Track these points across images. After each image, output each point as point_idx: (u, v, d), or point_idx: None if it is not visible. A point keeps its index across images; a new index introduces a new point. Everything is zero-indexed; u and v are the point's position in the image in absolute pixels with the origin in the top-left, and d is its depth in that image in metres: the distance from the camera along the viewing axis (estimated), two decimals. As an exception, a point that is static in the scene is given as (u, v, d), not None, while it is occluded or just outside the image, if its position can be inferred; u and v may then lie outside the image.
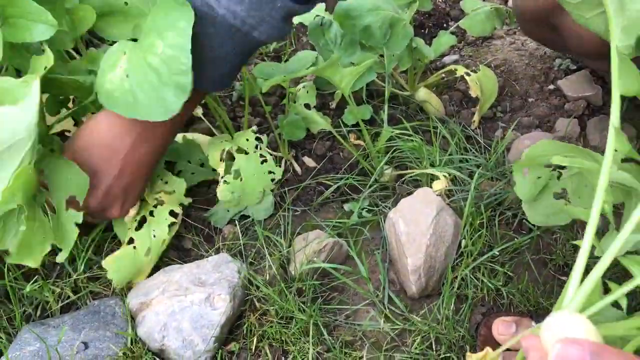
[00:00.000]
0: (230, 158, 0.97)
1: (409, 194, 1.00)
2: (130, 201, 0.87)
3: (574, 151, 0.73)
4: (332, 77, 0.94)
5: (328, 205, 1.04)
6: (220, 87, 0.83)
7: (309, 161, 1.14)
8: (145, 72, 0.69)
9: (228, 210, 1.01)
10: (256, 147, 0.98)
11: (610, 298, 0.55)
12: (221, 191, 0.96)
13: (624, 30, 0.62)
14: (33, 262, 0.72)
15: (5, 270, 0.83)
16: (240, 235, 0.96)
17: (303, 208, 1.03)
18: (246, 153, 0.97)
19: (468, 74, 1.11)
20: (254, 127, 1.00)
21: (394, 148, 1.05)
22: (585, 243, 0.56)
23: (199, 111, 1.15)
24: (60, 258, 0.75)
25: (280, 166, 1.09)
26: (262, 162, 0.98)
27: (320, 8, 1.10)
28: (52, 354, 0.76)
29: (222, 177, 0.96)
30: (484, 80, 1.10)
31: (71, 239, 0.74)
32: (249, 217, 1.00)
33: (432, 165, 1.00)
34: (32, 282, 0.81)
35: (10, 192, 0.63)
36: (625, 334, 0.53)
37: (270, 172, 0.99)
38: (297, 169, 1.12)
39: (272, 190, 1.02)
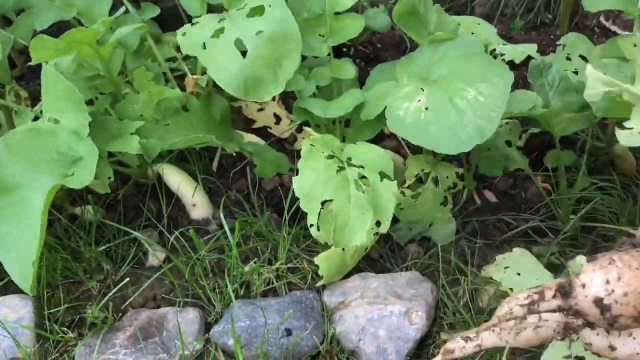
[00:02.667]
0: (423, 179, 1.00)
1: (599, 247, 0.98)
2: None
3: None
4: (549, 121, 0.95)
5: (512, 243, 1.04)
6: None
7: (489, 195, 1.15)
8: (448, 111, 0.80)
9: (410, 229, 1.04)
10: (450, 187, 1.00)
11: None
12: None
13: None
14: (360, 240, 0.80)
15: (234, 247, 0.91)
16: (425, 254, 0.99)
17: (485, 241, 1.04)
18: (436, 185, 0.99)
19: (677, 137, 1.07)
20: (460, 170, 1.02)
21: (587, 198, 1.03)
22: None
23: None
24: (383, 229, 0.83)
25: (462, 195, 1.11)
26: (441, 203, 1.00)
27: (532, 49, 1.11)
28: (258, 332, 0.82)
29: (404, 187, 0.98)
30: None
31: (390, 210, 0.83)
32: (429, 239, 1.03)
33: (632, 224, 0.98)
34: (250, 263, 0.88)
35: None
36: None
37: (438, 216, 1.01)
38: (477, 200, 1.13)
39: (454, 218, 1.04)
